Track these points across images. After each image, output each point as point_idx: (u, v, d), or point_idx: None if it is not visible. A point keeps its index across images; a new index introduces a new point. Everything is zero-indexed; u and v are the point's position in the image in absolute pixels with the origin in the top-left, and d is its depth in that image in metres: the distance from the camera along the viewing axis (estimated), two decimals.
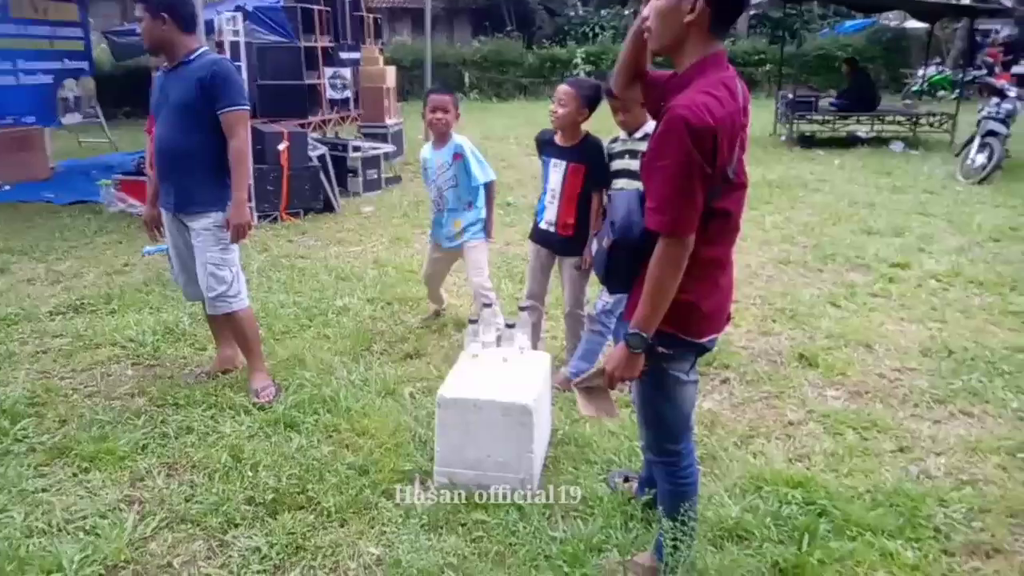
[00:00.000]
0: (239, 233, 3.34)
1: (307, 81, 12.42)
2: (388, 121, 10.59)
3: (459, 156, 3.95)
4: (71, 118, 11.18)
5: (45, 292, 5.05)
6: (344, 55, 13.29)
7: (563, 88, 3.57)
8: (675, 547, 2.04)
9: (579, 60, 20.86)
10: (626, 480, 2.72)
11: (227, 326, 3.59)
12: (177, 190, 3.37)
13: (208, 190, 3.35)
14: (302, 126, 9.69)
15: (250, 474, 2.83)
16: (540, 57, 21.71)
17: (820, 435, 3.15)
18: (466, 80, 20.54)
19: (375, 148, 8.89)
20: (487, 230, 4.10)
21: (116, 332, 4.25)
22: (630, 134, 3.35)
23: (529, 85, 20.94)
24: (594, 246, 2.07)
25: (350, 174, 8.51)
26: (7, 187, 8.61)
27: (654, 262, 1.81)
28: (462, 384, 2.79)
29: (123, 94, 15.20)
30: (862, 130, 12.27)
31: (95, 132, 12.22)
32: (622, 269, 1.97)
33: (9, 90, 10.03)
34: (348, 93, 13.33)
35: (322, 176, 7.53)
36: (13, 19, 9.96)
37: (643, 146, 3.28)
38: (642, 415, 2.11)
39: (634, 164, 3.29)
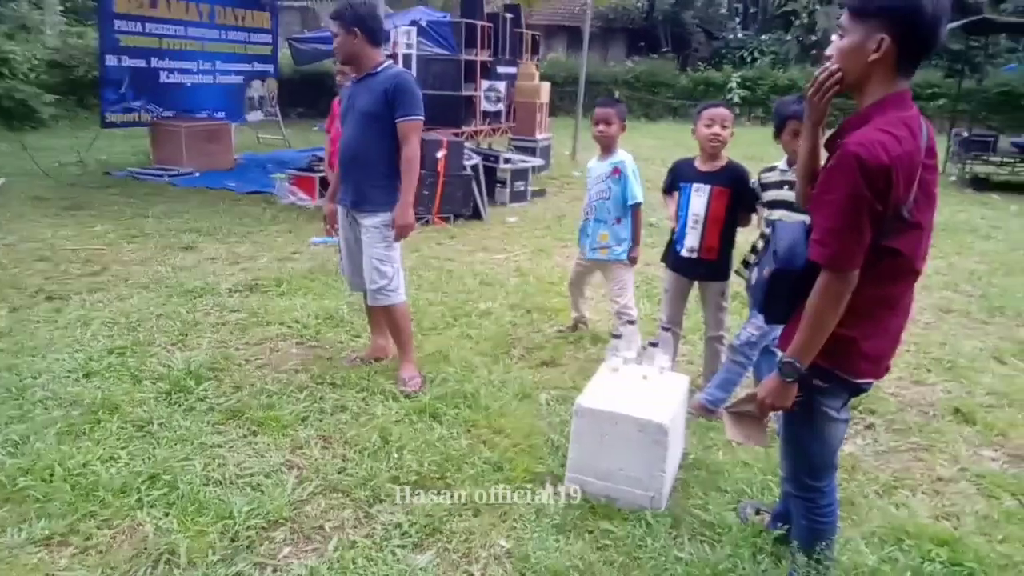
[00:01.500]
0: (402, 233, 3.61)
1: (464, 92, 12.99)
2: (538, 136, 10.88)
3: (618, 171, 4.05)
4: (254, 116, 12.33)
5: (225, 271, 5.63)
6: (501, 69, 13.78)
7: (724, 111, 3.60)
8: None
9: (734, 84, 20.42)
10: (758, 512, 2.70)
11: (384, 317, 3.88)
12: (355, 189, 3.69)
13: (381, 192, 3.64)
14: (456, 135, 10.19)
15: (396, 455, 3.06)
16: (694, 80, 21.45)
17: (973, 495, 2.97)
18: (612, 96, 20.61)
19: (524, 161, 9.17)
20: (631, 252, 4.15)
21: (284, 313, 4.68)
22: (791, 165, 3.32)
23: (680, 107, 20.73)
24: (754, 275, 2.10)
25: (499, 184, 8.84)
26: (196, 174, 9.62)
27: (815, 293, 1.83)
28: (601, 396, 2.88)
29: (299, 96, 16.54)
30: None
31: (272, 129, 13.38)
32: (782, 299, 1.99)
33: (207, 88, 11.24)
34: (501, 106, 13.80)
35: (474, 185, 7.88)
36: (218, 25, 11.16)
37: None
38: (787, 448, 2.12)
39: (792, 196, 3.26)
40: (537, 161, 9.76)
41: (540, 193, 9.34)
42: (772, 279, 1.98)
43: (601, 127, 4.05)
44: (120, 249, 6.16)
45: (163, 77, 10.46)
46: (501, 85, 13.58)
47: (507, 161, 9.00)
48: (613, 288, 4.18)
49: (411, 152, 3.56)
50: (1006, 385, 4.00)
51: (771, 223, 2.08)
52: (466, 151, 8.21)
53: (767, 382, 1.97)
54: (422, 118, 3.62)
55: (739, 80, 20.63)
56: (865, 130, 1.79)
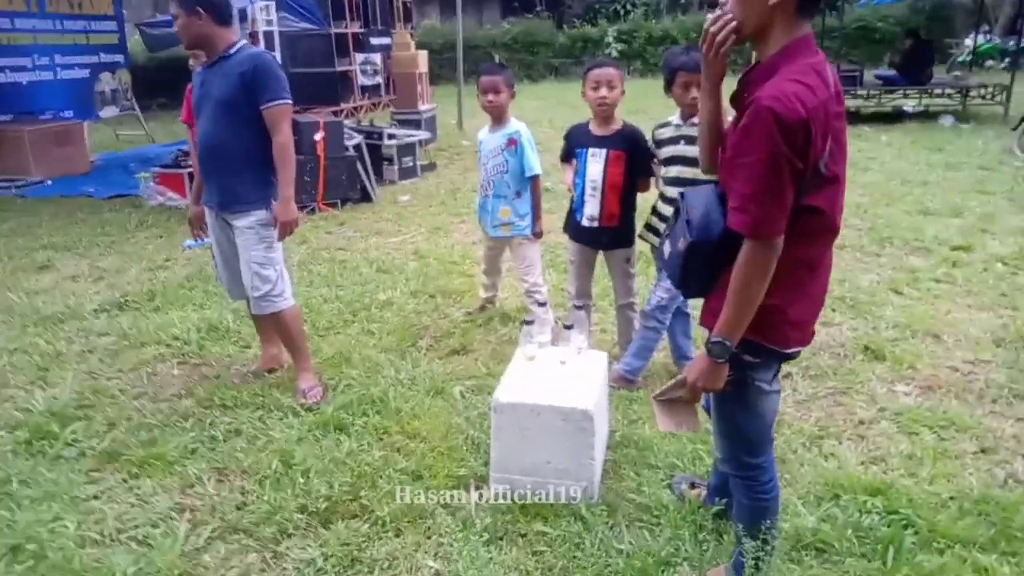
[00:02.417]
0: (286, 230, 3.25)
1: (338, 68, 12.34)
2: (421, 107, 10.46)
3: (514, 142, 3.81)
4: (108, 111, 11.29)
5: (89, 289, 5.05)
6: (375, 40, 13.20)
7: (612, 71, 3.41)
8: (756, 567, 1.91)
9: (611, 39, 20.49)
10: (692, 486, 2.59)
11: (272, 325, 3.52)
12: (220, 188, 3.29)
13: (252, 188, 3.27)
14: (335, 114, 9.65)
15: (301, 481, 2.76)
16: (571, 37, 21.36)
17: (894, 435, 2.98)
18: (499, 62, 20.32)
19: (410, 135, 8.78)
20: (535, 227, 3.95)
21: (160, 330, 4.22)
22: (686, 119, 3.18)
23: (560, 66, 20.64)
24: (666, 247, 1.93)
25: (385, 162, 8.42)
26: (48, 182, 8.69)
27: (740, 265, 1.67)
28: (519, 388, 2.68)
29: (157, 85, 15.31)
30: (909, 104, 11.82)
31: (132, 124, 12.32)
32: (700, 272, 1.82)
33: (47, 85, 10.15)
34: (379, 79, 13.27)
35: (359, 165, 7.45)
36: (50, 14, 10.05)
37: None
38: (720, 427, 1.98)
39: (690, 150, 3.13)
40: (423, 134, 9.37)
41: (430, 167, 8.99)
42: (688, 252, 1.80)
43: (490, 96, 3.78)
44: None
45: None
46: (376, 57, 13.03)
47: (391, 137, 8.58)
48: (520, 266, 3.97)
49: (283, 139, 3.20)
50: (907, 316, 4.09)
51: (681, 193, 1.90)
52: (346, 130, 7.75)
53: (696, 364, 1.81)
54: (290, 101, 3.25)
55: (615, 34, 20.70)
56: (775, 82, 1.62)
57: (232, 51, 3.19)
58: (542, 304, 3.83)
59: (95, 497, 2.76)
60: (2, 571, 2.38)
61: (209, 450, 3.03)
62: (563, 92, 15.78)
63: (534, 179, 3.88)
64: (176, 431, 3.18)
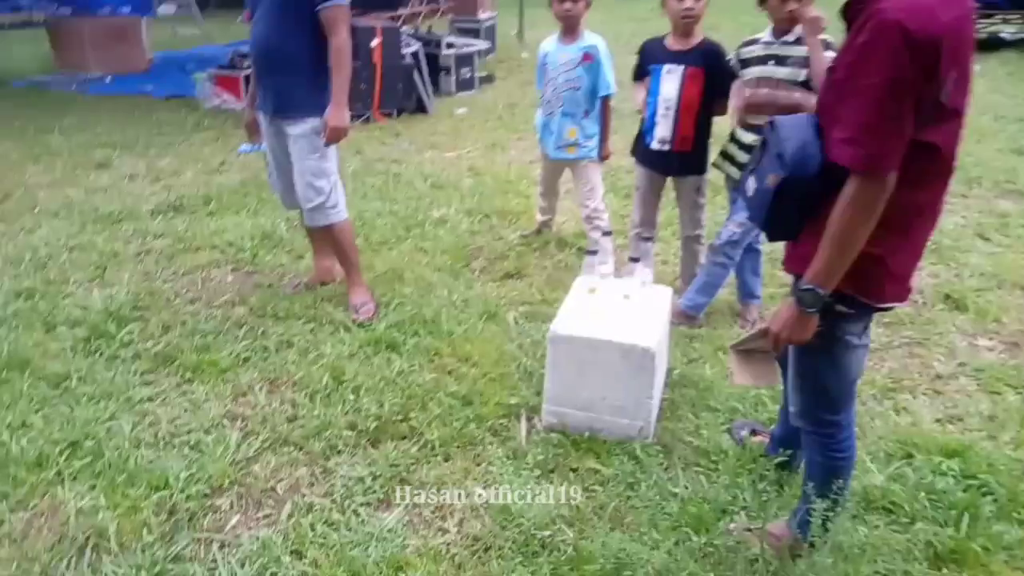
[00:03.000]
0: (335, 136, 3.12)
1: None
2: (481, 15, 10.04)
3: (590, 57, 3.54)
4: (166, 8, 11.15)
5: (146, 190, 5.05)
6: None
7: None
8: (824, 527, 1.80)
9: None
10: (753, 433, 2.47)
11: (325, 237, 3.45)
12: (275, 93, 3.17)
13: (307, 93, 3.13)
14: (392, 20, 9.32)
15: (352, 398, 2.73)
16: None
17: (974, 393, 2.79)
18: None
19: (469, 45, 8.45)
20: (602, 149, 3.74)
21: (215, 235, 4.20)
22: (779, 36, 2.89)
23: None
24: (750, 183, 1.74)
25: (443, 72, 8.15)
26: (108, 79, 8.68)
27: (842, 206, 1.49)
28: (577, 320, 2.56)
29: None
30: (1007, 31, 10.88)
31: (189, 23, 12.16)
32: (791, 213, 1.63)
33: None
34: None
35: (415, 75, 7.22)
36: None
37: (794, 51, 2.84)
38: (800, 382, 1.83)
39: (781, 71, 2.86)
40: (482, 44, 9.02)
41: (488, 79, 8.68)
42: (779, 190, 1.61)
43: (567, 5, 3.50)
44: (24, 171, 5.49)
45: None
46: None
47: (450, 46, 8.27)
48: (582, 190, 3.78)
49: (339, 43, 3.04)
50: (993, 264, 3.81)
51: (771, 121, 1.69)
52: (404, 37, 7.48)
53: (781, 313, 1.65)
54: (346, 2, 3.06)
55: None
56: None
57: None
58: (607, 233, 3.65)
59: (149, 399, 2.78)
60: (62, 464, 2.43)
61: (261, 360, 3.02)
62: (626, 4, 14.99)
63: (606, 98, 3.64)
64: (229, 339, 3.17)
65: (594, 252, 2.81)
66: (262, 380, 2.90)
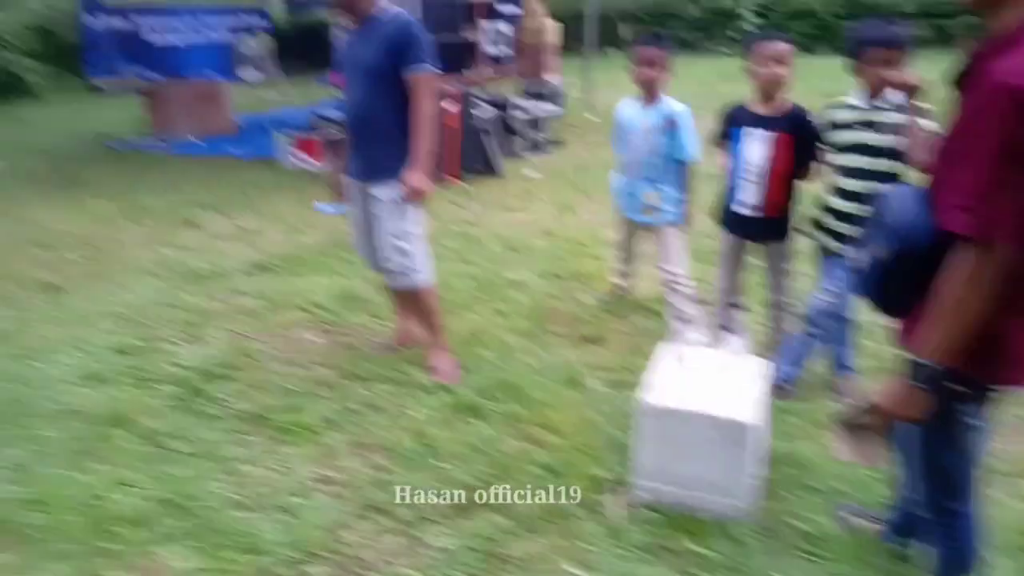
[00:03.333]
0: (414, 197, 3.19)
1: (465, 36, 12.29)
2: (549, 79, 10.25)
3: (672, 123, 3.57)
4: (249, 74, 11.74)
5: (233, 249, 5.25)
6: (503, 8, 13.05)
7: (783, 46, 3.12)
8: None
9: (747, 12, 19.43)
10: (862, 517, 2.35)
11: (409, 300, 3.51)
12: (365, 157, 3.28)
13: (396, 158, 3.22)
14: (462, 83, 9.60)
15: (439, 464, 2.73)
16: (704, 9, 20.42)
17: None
18: (624, 35, 19.74)
19: (540, 108, 8.63)
20: (683, 213, 3.74)
21: (300, 295, 4.32)
22: (869, 99, 2.86)
23: (692, 40, 19.80)
24: (858, 255, 1.70)
25: (512, 135, 8.33)
26: (195, 140, 9.15)
27: (954, 276, 1.43)
28: (667, 391, 2.51)
29: (296, 48, 15.78)
30: None
31: (270, 86, 12.79)
32: (904, 287, 1.59)
33: (196, 46, 10.64)
34: (506, 48, 13.14)
35: (486, 137, 7.40)
36: None
37: (888, 117, 2.79)
38: (915, 464, 1.75)
39: (876, 139, 2.82)
40: (551, 107, 9.20)
41: (557, 142, 8.83)
42: (891, 264, 1.57)
43: (648, 70, 3.56)
44: (120, 229, 5.78)
45: (147, 36, 9.87)
46: (504, 25, 12.90)
47: (520, 109, 8.47)
48: (663, 254, 3.76)
49: (425, 108, 3.13)
50: None
51: (879, 194, 1.66)
52: (474, 99, 7.70)
53: (891, 389, 1.59)
54: (434, 68, 3.17)
55: (754, 6, 19.61)
56: (1017, 55, 1.37)
57: (379, 15, 3.14)
58: (691, 299, 3.61)
59: (242, 460, 2.83)
60: (154, 520, 2.48)
61: (349, 422, 3.05)
62: (696, 69, 15.14)
63: (687, 163, 3.65)
64: (316, 399, 3.22)
65: (678, 319, 2.78)
66: (350, 443, 2.93)
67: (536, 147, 8.36)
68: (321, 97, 10.02)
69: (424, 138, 3.14)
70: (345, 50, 3.29)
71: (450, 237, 5.38)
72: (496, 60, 13.13)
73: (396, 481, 2.66)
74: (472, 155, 7.22)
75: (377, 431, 2.98)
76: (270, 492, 2.64)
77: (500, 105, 8.41)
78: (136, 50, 9.68)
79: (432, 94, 3.15)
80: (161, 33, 10.05)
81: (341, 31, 3.47)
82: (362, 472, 2.74)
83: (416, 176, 3.14)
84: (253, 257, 5.02)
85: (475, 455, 2.79)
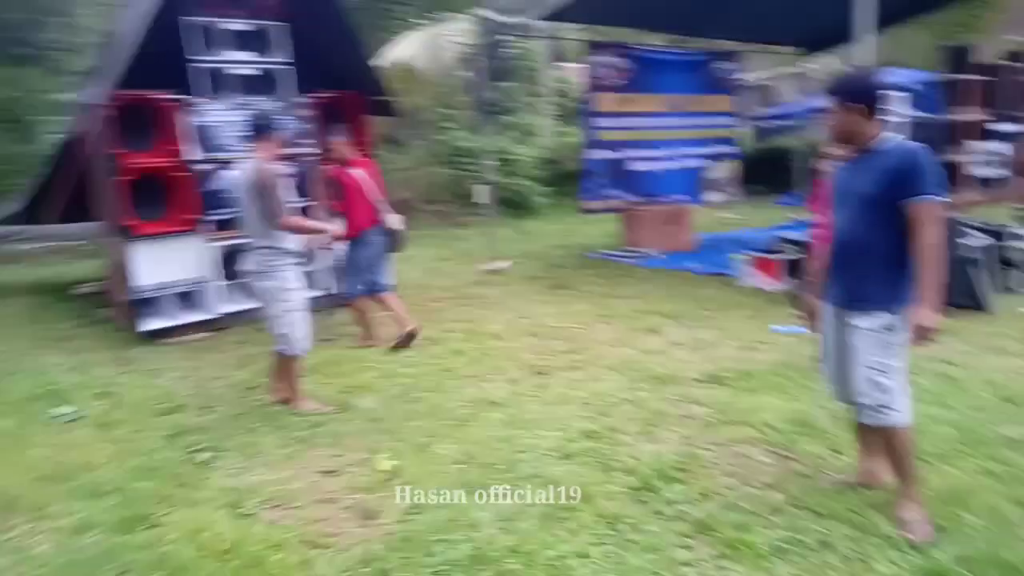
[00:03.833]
0: (920, 336, 2.97)
1: (949, 157, 11.20)
2: None
3: None
4: (714, 196, 12.48)
5: (689, 357, 5.54)
6: (1001, 127, 11.59)
7: None
8: None
9: None
10: None
11: (878, 439, 3.25)
12: (848, 284, 3.20)
13: (881, 287, 3.09)
14: (947, 207, 8.66)
15: None
16: None
17: None
18: None
19: None
20: None
21: (751, 413, 4.32)
22: None
23: None
24: None
25: (1007, 267, 7.17)
26: (659, 255, 10.02)
27: None
28: None
29: (757, 172, 16.30)
30: None
31: (729, 208, 13.38)
32: None
33: (669, 172, 11.78)
34: (1000, 170, 11.52)
35: (975, 269, 6.51)
36: (680, 112, 11.67)
37: None
38: None
39: None
40: None
41: None
42: None
43: None
44: (594, 328, 6.58)
45: (631, 165, 11.27)
46: (1000, 145, 11.39)
47: (1019, 238, 7.27)
48: None
49: (928, 239, 2.96)
50: None
51: None
52: (961, 227, 6.86)
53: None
54: (942, 199, 2.98)
55: None
56: None
57: (879, 144, 3.10)
58: None
59: (689, 564, 2.92)
60: None
61: (799, 556, 2.91)
62: None
63: None
64: (765, 522, 3.16)
65: None
66: None
67: None
68: (778, 219, 10.11)
69: (931, 270, 2.96)
70: (837, 177, 3.32)
71: (923, 375, 4.82)
72: (985, 183, 11.61)
73: None
74: (956, 288, 6.40)
75: (831, 573, 2.78)
76: None
77: (995, 233, 7.35)
78: (621, 177, 11.14)
79: (937, 223, 2.98)
80: (644, 162, 11.41)
81: (827, 159, 3.51)
82: None
83: (924, 313, 2.96)
84: (707, 368, 5.21)
85: None
